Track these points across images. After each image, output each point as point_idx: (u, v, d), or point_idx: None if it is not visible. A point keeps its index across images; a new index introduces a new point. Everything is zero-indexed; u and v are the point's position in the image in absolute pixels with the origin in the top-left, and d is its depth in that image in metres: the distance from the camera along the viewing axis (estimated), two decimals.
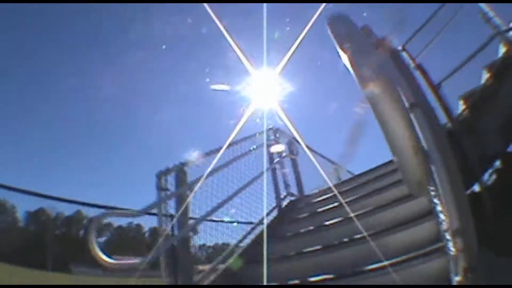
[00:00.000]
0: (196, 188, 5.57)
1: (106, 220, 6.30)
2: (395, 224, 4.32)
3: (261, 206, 7.10)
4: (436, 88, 6.18)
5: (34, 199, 9.57)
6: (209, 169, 5.78)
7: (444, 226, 2.96)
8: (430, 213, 3.88)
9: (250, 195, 6.95)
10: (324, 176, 8.81)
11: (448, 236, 2.80)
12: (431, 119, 2.92)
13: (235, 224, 6.57)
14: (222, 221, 6.27)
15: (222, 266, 5.61)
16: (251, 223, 6.61)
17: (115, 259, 4.07)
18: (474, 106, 6.31)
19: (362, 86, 2.68)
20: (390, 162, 6.67)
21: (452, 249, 2.63)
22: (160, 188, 5.28)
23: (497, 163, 6.41)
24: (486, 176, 6.10)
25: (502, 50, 6.74)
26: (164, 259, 5.01)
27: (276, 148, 8.18)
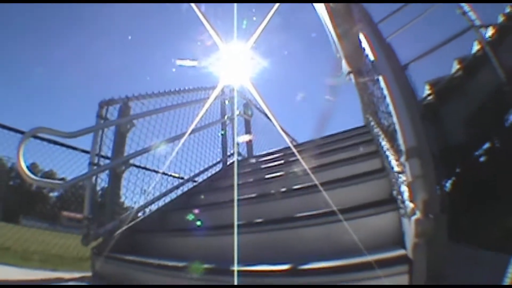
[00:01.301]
0: (137, 122, 5.22)
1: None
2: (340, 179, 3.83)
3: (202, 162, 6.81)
4: (403, 68, 5.95)
5: None
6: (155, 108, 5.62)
7: (393, 162, 2.80)
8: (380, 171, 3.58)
9: (194, 149, 6.73)
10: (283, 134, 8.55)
11: (398, 172, 2.52)
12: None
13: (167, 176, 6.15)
14: (154, 171, 5.76)
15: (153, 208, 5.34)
16: (182, 178, 6.20)
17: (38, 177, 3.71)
18: (441, 93, 6.12)
19: None
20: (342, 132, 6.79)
21: (408, 176, 2.10)
22: (100, 117, 4.79)
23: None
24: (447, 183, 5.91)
25: (475, 47, 6.59)
26: (90, 190, 4.55)
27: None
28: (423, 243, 1.95)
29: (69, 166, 9.25)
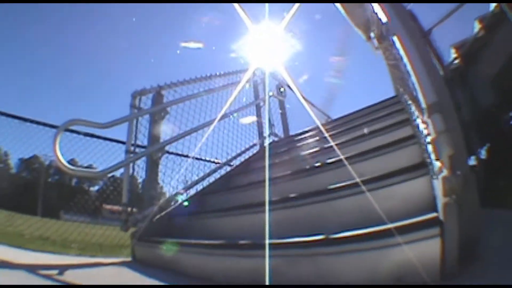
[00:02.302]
0: (170, 109, 5.42)
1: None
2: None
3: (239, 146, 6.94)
4: (426, 34, 5.95)
5: (28, 147, 10.21)
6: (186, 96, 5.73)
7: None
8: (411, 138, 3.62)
9: (229, 132, 6.84)
10: (313, 116, 8.56)
11: (425, 135, 2.50)
12: None
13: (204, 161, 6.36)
14: (190, 156, 5.90)
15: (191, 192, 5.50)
16: (218, 162, 6.36)
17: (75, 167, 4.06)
18: (466, 55, 6.12)
19: None
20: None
21: (432, 133, 2.15)
22: (134, 107, 4.97)
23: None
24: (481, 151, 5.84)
25: (493, 5, 6.42)
26: (127, 178, 4.73)
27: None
28: (453, 202, 1.97)
29: (106, 158, 9.46)
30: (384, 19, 2.84)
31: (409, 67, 2.36)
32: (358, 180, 3.02)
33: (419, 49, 2.33)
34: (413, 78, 2.31)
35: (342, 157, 3.82)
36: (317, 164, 4.25)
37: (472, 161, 5.12)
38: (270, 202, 3.51)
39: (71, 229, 8.91)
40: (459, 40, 6.69)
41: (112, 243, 7.83)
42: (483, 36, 6.08)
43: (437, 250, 2.03)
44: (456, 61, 6.30)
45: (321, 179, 3.89)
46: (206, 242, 3.34)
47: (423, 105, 2.21)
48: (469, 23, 6.63)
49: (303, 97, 9.19)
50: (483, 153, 5.71)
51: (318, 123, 7.34)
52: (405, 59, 2.40)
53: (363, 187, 2.93)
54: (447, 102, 2.21)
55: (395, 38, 2.60)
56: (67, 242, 7.27)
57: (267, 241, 2.65)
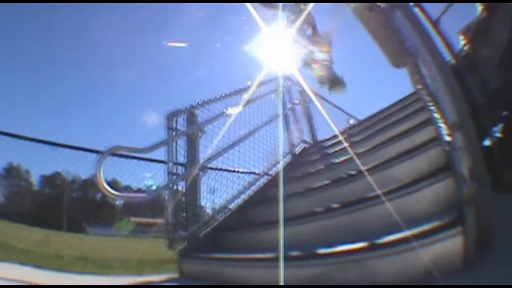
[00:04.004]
0: (206, 128, 5.71)
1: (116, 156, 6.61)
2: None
3: (271, 156, 7.19)
4: (435, 24, 6.16)
5: (49, 163, 10.27)
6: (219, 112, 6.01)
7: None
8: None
9: (262, 143, 7.09)
10: (331, 124, 8.76)
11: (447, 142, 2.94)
12: None
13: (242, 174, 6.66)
14: (229, 170, 6.37)
15: (232, 207, 5.84)
16: (256, 173, 6.68)
17: (119, 192, 4.39)
18: (473, 40, 6.48)
19: None
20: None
21: (453, 147, 2.71)
22: (169, 128, 5.33)
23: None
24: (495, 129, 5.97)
25: None
26: (171, 198, 5.12)
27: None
28: (471, 205, 2.45)
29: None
30: (413, 44, 3.24)
31: (436, 92, 2.83)
32: (391, 187, 3.53)
33: (446, 80, 2.78)
34: (438, 96, 2.79)
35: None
36: (352, 173, 4.62)
37: (487, 142, 5.27)
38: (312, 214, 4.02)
39: (105, 245, 9.25)
40: (466, 25, 6.97)
41: (152, 259, 8.09)
42: (485, 17, 6.34)
43: (460, 244, 2.51)
44: (465, 48, 6.61)
45: (358, 186, 4.24)
46: (260, 256, 3.76)
47: (447, 122, 2.72)
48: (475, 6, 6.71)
49: (326, 100, 9.51)
50: (498, 134, 5.78)
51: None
52: (433, 86, 2.87)
53: (395, 194, 3.44)
54: (467, 122, 2.71)
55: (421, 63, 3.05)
56: (108, 261, 7.72)
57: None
